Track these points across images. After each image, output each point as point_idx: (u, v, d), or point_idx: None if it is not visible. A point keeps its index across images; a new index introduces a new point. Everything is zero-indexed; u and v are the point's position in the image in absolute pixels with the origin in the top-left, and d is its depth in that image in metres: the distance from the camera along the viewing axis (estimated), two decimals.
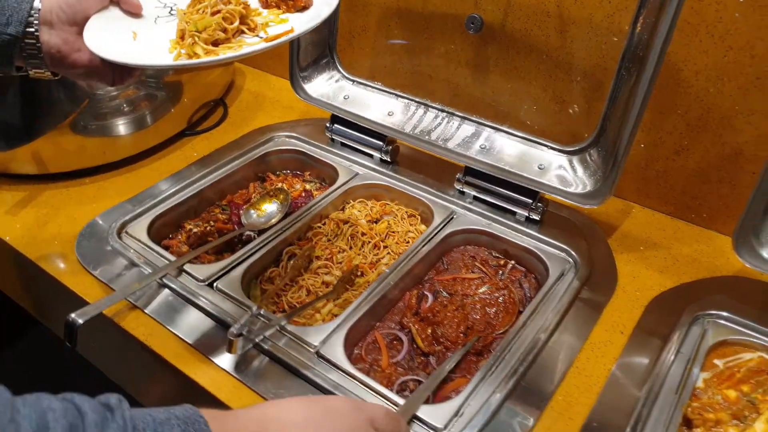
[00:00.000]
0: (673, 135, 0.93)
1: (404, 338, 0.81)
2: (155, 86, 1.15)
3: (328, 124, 1.13)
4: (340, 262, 0.93)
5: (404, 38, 1.09)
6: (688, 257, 0.90)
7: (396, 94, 1.07)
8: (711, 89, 0.86)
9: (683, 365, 0.73)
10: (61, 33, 0.70)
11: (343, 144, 1.13)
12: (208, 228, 0.99)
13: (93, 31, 0.70)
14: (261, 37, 0.71)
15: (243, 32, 0.72)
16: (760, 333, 0.77)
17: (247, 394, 0.71)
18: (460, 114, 1.01)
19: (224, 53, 0.68)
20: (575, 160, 0.91)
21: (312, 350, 0.75)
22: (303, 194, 1.07)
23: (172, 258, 0.88)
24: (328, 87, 1.13)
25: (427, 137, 1.02)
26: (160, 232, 0.97)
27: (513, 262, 0.94)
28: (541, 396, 0.71)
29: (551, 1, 0.90)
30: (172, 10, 0.77)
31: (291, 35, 0.70)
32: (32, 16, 0.68)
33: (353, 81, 1.12)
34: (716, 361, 0.76)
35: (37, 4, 0.68)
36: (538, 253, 0.90)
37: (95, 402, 0.43)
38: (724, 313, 0.79)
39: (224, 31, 0.70)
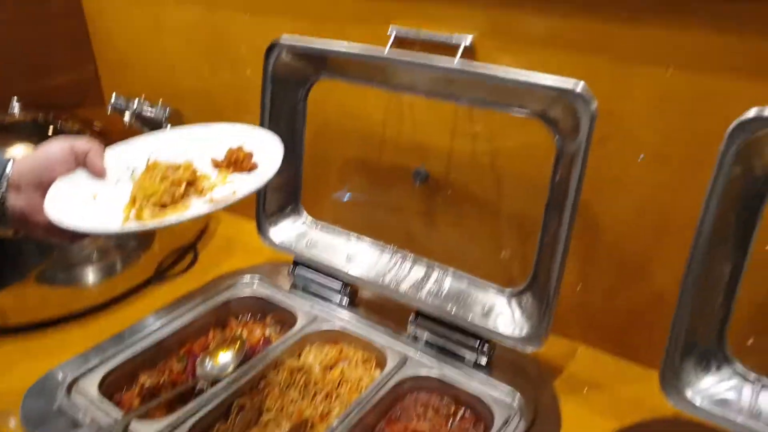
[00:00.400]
0: (603, 279, 0.99)
1: None
2: (127, 235, 1.21)
3: (290, 269, 1.19)
4: (291, 414, 0.93)
5: (362, 188, 1.19)
6: (630, 398, 0.92)
7: (354, 238, 1.15)
8: (628, 235, 0.94)
9: None
10: (27, 196, 0.75)
11: (304, 288, 1.18)
12: (162, 380, 1.00)
13: (54, 196, 0.75)
14: (206, 198, 0.76)
15: (192, 195, 0.77)
16: None
17: None
18: (411, 257, 1.08)
19: (170, 216, 0.73)
20: (514, 302, 0.96)
21: None
22: (262, 341, 1.10)
23: (120, 415, 0.89)
24: (292, 232, 1.20)
25: (381, 280, 1.07)
26: (113, 385, 0.98)
27: (463, 408, 0.95)
28: None
29: (486, 158, 1.01)
30: (134, 172, 0.82)
31: (234, 198, 0.75)
32: (2, 183, 0.74)
33: (316, 225, 1.19)
34: None
35: (8, 171, 0.75)
36: (485, 400, 0.91)
37: None
38: None
39: (172, 195, 0.75)
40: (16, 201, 0.75)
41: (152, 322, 1.10)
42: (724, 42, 0.78)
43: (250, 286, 1.21)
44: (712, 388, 0.79)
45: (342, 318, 1.10)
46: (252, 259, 1.32)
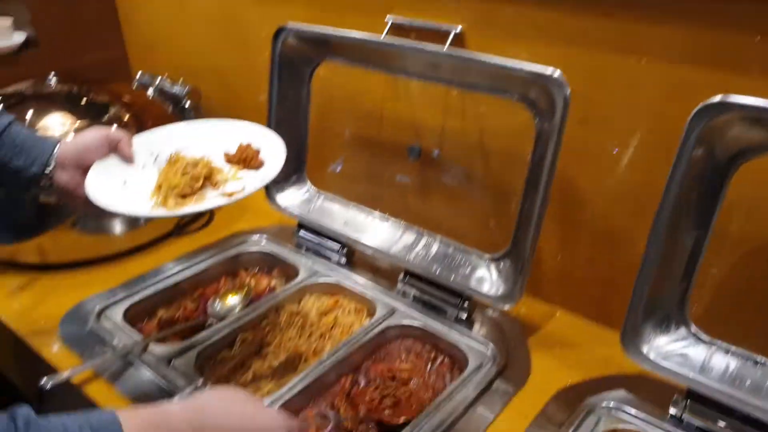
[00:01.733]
0: (583, 247, 1.07)
1: (332, 417, 0.90)
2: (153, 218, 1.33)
3: (295, 231, 1.30)
4: (288, 349, 1.04)
5: (361, 161, 1.29)
6: (599, 357, 1.00)
7: (352, 206, 1.25)
8: (609, 207, 1.01)
9: None
10: (69, 174, 0.89)
11: (307, 248, 1.28)
12: (177, 315, 1.12)
13: (92, 178, 0.88)
14: (220, 192, 0.88)
15: (208, 186, 0.89)
16: (650, 423, 0.85)
17: None
18: (403, 224, 1.17)
19: (190, 206, 0.86)
20: (493, 266, 1.05)
21: None
22: (268, 290, 1.21)
23: (141, 339, 1.01)
24: (297, 199, 1.31)
25: (375, 243, 1.17)
26: (136, 316, 1.10)
27: (442, 355, 1.04)
28: None
29: (475, 135, 1.10)
30: (157, 157, 0.96)
31: (243, 193, 0.86)
32: (51, 161, 0.88)
33: (318, 194, 1.30)
34: None
35: (56, 151, 0.89)
36: (462, 348, 1.01)
37: (3, 418, 0.47)
38: (618, 405, 0.88)
39: (191, 187, 0.88)
40: (60, 176, 0.89)
41: (171, 267, 1.22)
42: (693, 35, 0.85)
43: (259, 243, 1.32)
44: (668, 346, 0.86)
45: (339, 273, 1.20)
46: (262, 221, 1.43)
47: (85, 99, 1.36)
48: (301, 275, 1.20)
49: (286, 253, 1.28)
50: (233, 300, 1.13)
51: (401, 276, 1.13)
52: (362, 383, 0.97)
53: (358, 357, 1.01)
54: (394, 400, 0.93)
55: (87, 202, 0.87)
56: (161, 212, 0.84)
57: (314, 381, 0.93)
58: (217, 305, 1.12)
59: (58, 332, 1.03)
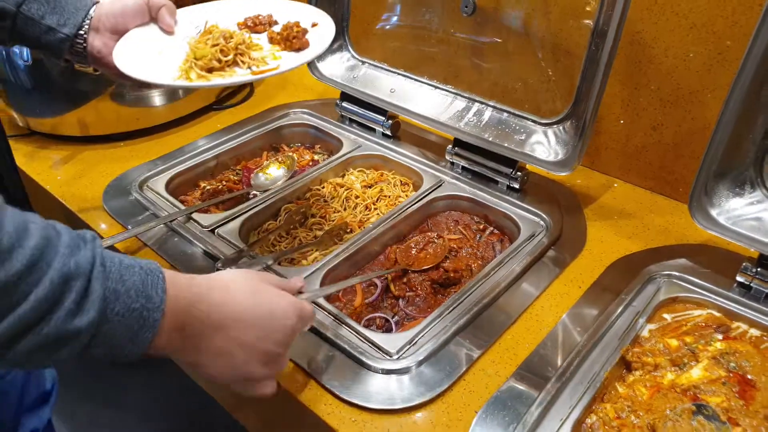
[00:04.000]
0: (648, 111, 0.97)
1: (379, 284, 0.89)
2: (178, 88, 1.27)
3: (337, 101, 1.23)
4: (333, 221, 1.02)
5: (409, 22, 1.18)
6: (659, 227, 0.94)
7: (399, 74, 1.16)
8: (679, 66, 0.90)
9: (632, 316, 0.78)
10: (104, 38, 0.83)
11: (351, 120, 1.23)
12: (220, 187, 1.11)
13: (124, 44, 0.82)
14: (251, 69, 0.81)
15: (237, 63, 0.82)
16: (713, 293, 0.81)
17: None
18: (453, 90, 1.09)
19: (213, 80, 0.79)
20: (550, 131, 0.97)
21: None
22: (311, 164, 1.17)
23: (183, 208, 1.00)
24: (340, 67, 1.23)
25: (423, 111, 1.10)
26: (178, 188, 1.09)
27: (492, 227, 1.00)
28: (492, 333, 0.77)
29: None
30: (200, 32, 0.88)
31: (274, 72, 0.80)
32: (85, 22, 0.82)
33: (362, 62, 1.22)
34: (665, 315, 0.80)
35: (91, 12, 0.82)
36: (514, 217, 0.96)
37: (73, 232, 0.50)
38: (681, 274, 0.83)
39: (219, 61, 0.80)
40: (94, 40, 0.83)
41: (212, 140, 1.19)
42: None
43: (301, 117, 1.26)
44: (742, 209, 0.80)
45: (384, 146, 1.15)
46: (304, 95, 1.37)
47: None
48: (345, 148, 1.15)
49: (328, 126, 1.23)
50: (277, 172, 1.11)
51: (450, 147, 1.07)
52: (409, 253, 0.95)
53: (405, 228, 0.99)
54: (443, 263, 0.91)
55: (119, 72, 0.81)
56: (181, 83, 0.80)
57: (359, 249, 0.92)
58: (261, 177, 1.10)
59: (102, 203, 1.03)
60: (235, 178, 1.14)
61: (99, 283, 0.48)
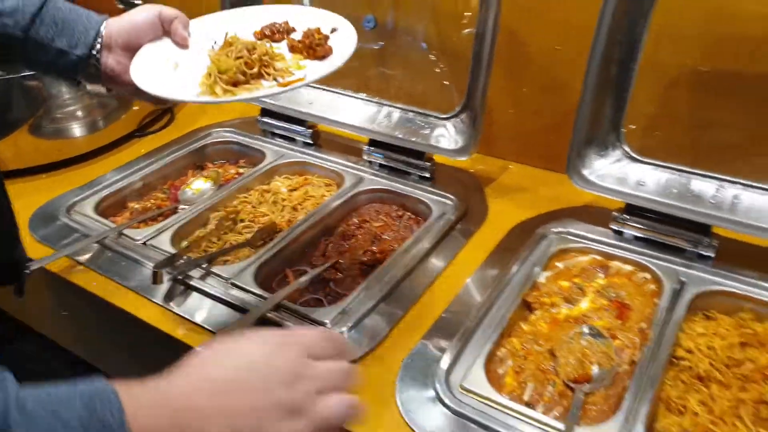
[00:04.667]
0: (531, 99, 1.13)
1: (309, 270, 0.97)
2: (108, 96, 1.32)
3: (258, 117, 1.32)
4: (262, 224, 1.09)
5: None
6: (549, 197, 1.09)
7: (315, 87, 1.26)
8: (550, 59, 1.06)
9: (530, 268, 0.91)
10: (117, 56, 0.80)
11: (272, 133, 1.31)
12: (149, 205, 1.16)
13: (140, 61, 0.79)
14: (277, 82, 0.77)
15: (262, 76, 0.78)
16: (594, 241, 0.95)
17: (182, 322, 0.87)
18: (365, 98, 1.21)
19: (240, 94, 0.74)
20: (450, 124, 1.11)
21: (227, 281, 0.91)
22: (236, 176, 1.24)
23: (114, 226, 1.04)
24: None
25: (338, 117, 1.21)
26: (107, 210, 1.13)
27: (409, 212, 1.11)
28: (412, 297, 0.88)
29: (428, 1, 1.11)
30: (215, 44, 0.83)
31: (302, 83, 0.76)
32: (97, 41, 0.78)
33: None
34: (557, 264, 0.93)
35: (102, 31, 0.79)
36: (427, 201, 1.08)
37: None
38: (567, 230, 0.97)
39: (243, 74, 0.76)
40: (107, 59, 0.79)
41: (137, 163, 1.24)
42: None
43: (223, 135, 1.34)
44: (606, 168, 0.95)
45: (306, 153, 1.24)
46: (223, 116, 1.44)
47: None
48: (269, 158, 1.23)
49: (251, 141, 1.31)
50: (204, 185, 1.18)
51: (366, 147, 1.18)
52: (338, 240, 1.04)
53: (332, 221, 1.08)
54: (369, 248, 1.00)
55: (136, 90, 0.78)
56: (207, 99, 0.76)
57: (290, 243, 1.00)
58: (188, 192, 1.16)
59: (29, 230, 1.05)
60: (163, 196, 1.19)
61: None
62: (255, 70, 0.77)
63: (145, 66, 0.79)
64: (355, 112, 1.21)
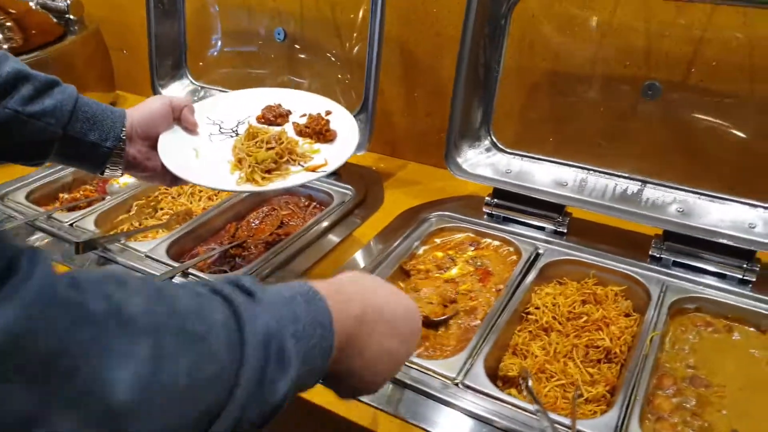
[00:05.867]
0: (422, 103, 1.29)
1: (217, 247, 1.08)
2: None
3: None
4: (179, 209, 1.20)
5: (237, 49, 1.43)
6: (438, 189, 1.23)
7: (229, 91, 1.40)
8: (435, 64, 1.23)
9: (411, 243, 1.04)
10: (137, 146, 0.87)
11: None
12: (78, 196, 1.25)
13: (165, 149, 0.87)
14: (302, 166, 0.89)
15: (288, 161, 0.90)
16: (469, 222, 1.10)
17: None
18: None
19: (277, 182, 0.86)
20: None
21: (143, 254, 1.01)
22: None
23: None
24: (182, 92, 1.45)
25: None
26: (39, 200, 1.22)
27: (315, 202, 1.24)
28: (305, 266, 1.00)
29: (326, 10, 1.27)
30: (221, 127, 0.96)
31: (327, 168, 0.88)
32: (122, 133, 0.85)
33: (200, 87, 1.44)
34: (436, 240, 1.07)
35: (126, 123, 0.85)
36: (330, 192, 1.21)
37: (233, 288, 0.45)
38: (448, 213, 1.11)
39: (275, 162, 0.88)
40: (129, 149, 0.86)
41: None
42: None
43: None
44: (478, 157, 1.11)
45: None
46: None
47: None
48: None
49: None
50: (130, 180, 1.27)
51: None
52: (247, 224, 1.16)
53: (243, 209, 1.20)
54: (275, 231, 1.12)
55: (153, 175, 0.87)
56: (249, 187, 0.85)
57: (201, 225, 1.11)
58: (115, 186, 1.26)
59: None
60: (92, 188, 1.29)
61: (289, 335, 0.45)
62: (285, 158, 0.88)
63: (174, 157, 0.86)
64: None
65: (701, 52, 0.90)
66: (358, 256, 1.02)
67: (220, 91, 1.42)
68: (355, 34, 1.24)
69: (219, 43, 1.42)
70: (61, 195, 1.26)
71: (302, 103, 1.01)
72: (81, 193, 1.26)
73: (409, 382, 0.77)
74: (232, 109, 1.00)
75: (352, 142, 0.91)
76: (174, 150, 0.87)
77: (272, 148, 0.88)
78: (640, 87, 0.95)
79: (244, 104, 1.01)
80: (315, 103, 1.00)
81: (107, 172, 0.86)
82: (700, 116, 0.93)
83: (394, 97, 1.31)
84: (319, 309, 0.49)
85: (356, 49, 1.25)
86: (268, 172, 0.86)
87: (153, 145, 0.88)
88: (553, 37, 1.02)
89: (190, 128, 0.93)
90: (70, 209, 1.18)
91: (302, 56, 1.31)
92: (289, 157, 0.89)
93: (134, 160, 0.87)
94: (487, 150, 1.11)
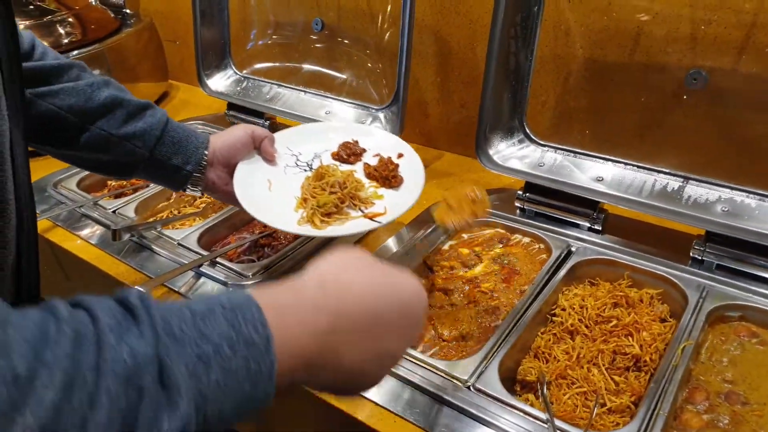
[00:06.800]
0: (456, 93, 1.25)
1: (248, 236, 1.11)
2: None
3: (226, 112, 1.47)
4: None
5: (277, 42, 1.44)
6: (472, 180, 1.20)
7: (273, 83, 1.42)
8: (468, 54, 1.19)
9: (438, 237, 1.03)
10: (217, 171, 0.91)
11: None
12: (125, 183, 1.31)
13: (239, 179, 0.90)
14: (362, 212, 0.89)
15: (349, 206, 0.90)
16: (499, 217, 1.06)
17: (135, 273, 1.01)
18: (314, 92, 1.35)
19: (334, 227, 0.86)
20: (381, 114, 1.24)
21: (175, 243, 1.05)
22: None
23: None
24: (225, 83, 1.48)
25: (293, 110, 1.35)
26: (88, 188, 1.29)
27: None
28: None
29: (364, 2, 1.25)
30: (298, 159, 0.98)
31: (384, 219, 0.87)
32: (204, 158, 0.89)
33: (244, 77, 1.47)
34: (464, 235, 1.05)
35: (208, 150, 0.90)
36: None
37: (110, 302, 0.38)
38: None
39: (336, 206, 0.88)
40: (209, 173, 0.91)
41: None
42: None
43: (196, 126, 1.49)
44: (509, 149, 1.07)
45: None
46: (200, 112, 1.60)
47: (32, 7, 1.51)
48: None
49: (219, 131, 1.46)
50: None
51: None
52: None
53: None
54: None
55: (230, 197, 0.90)
56: (306, 229, 0.86)
57: (235, 213, 1.14)
58: None
59: None
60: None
61: (175, 360, 0.37)
62: (346, 203, 0.90)
63: (247, 188, 0.90)
64: (306, 104, 1.36)
65: (754, 37, 0.82)
66: (391, 243, 1.01)
67: (263, 81, 1.44)
68: (388, 24, 1.22)
69: (259, 34, 1.44)
70: (109, 182, 1.32)
71: (378, 141, 1.01)
72: (129, 183, 1.32)
73: (418, 383, 0.76)
74: (312, 141, 1.01)
75: (415, 192, 0.91)
76: (248, 180, 0.91)
77: (335, 192, 0.89)
78: (684, 75, 0.88)
79: (324, 137, 1.03)
80: (389, 142, 1.01)
81: (188, 191, 0.91)
82: (749, 107, 0.85)
83: (429, 87, 1.29)
84: (247, 323, 0.41)
85: (389, 37, 1.23)
86: (328, 215, 0.87)
87: (232, 171, 0.92)
88: (591, 23, 0.96)
89: (269, 159, 0.95)
90: (117, 196, 1.24)
91: (339, 47, 1.30)
92: (350, 202, 0.90)
93: (213, 184, 0.91)
94: (520, 142, 1.07)
